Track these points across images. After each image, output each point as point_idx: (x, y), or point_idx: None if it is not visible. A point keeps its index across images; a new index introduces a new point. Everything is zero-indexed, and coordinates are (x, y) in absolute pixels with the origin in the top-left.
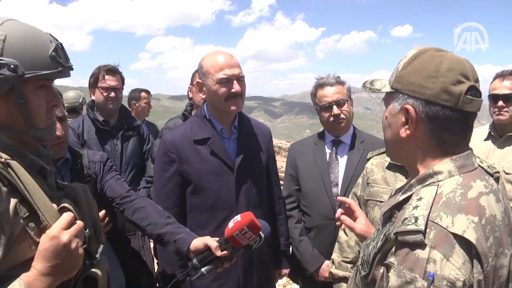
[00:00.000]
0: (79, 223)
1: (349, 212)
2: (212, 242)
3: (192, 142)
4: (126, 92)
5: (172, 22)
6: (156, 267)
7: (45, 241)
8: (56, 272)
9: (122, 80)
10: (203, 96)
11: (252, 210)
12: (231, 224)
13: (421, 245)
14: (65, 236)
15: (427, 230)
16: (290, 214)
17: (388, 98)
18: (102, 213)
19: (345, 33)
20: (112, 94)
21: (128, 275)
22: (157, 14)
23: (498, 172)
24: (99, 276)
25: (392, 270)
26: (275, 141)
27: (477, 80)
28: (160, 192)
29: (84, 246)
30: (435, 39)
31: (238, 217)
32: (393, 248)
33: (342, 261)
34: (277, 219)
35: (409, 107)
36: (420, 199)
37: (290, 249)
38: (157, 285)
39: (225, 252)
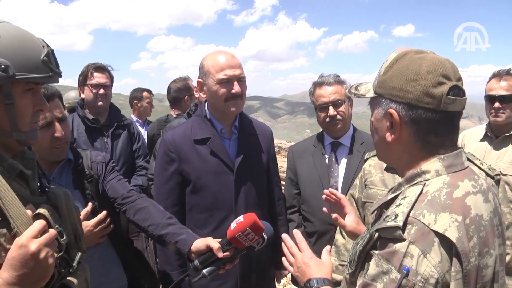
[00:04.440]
0: (52, 231)
1: (339, 206)
2: (214, 243)
3: (192, 142)
4: (127, 91)
5: (173, 22)
6: (158, 267)
7: (13, 249)
8: (23, 282)
9: (111, 78)
10: (204, 96)
11: (251, 210)
12: (233, 225)
13: (401, 240)
14: (34, 245)
15: (409, 226)
16: (290, 218)
17: (373, 102)
18: (103, 214)
19: (346, 33)
20: (101, 90)
21: (130, 276)
22: (159, 14)
23: (499, 174)
24: (75, 285)
25: (373, 259)
26: (275, 141)
27: (459, 79)
28: (159, 191)
29: (60, 254)
30: (437, 39)
31: (240, 218)
32: (378, 243)
33: (339, 264)
34: (278, 220)
35: (393, 111)
36: (404, 197)
37: None
38: (160, 286)
39: (227, 253)
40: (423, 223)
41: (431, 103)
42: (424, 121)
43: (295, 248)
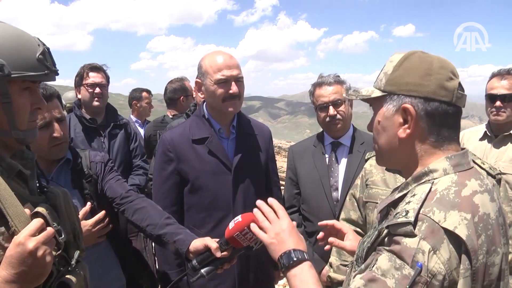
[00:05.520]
0: (49, 229)
1: (334, 232)
2: (212, 243)
3: (190, 142)
4: (127, 92)
5: (174, 22)
6: (157, 267)
7: (11, 247)
8: (21, 279)
9: (106, 77)
10: (202, 96)
11: (250, 210)
12: (231, 224)
13: (412, 236)
14: (32, 243)
15: (419, 222)
16: (290, 218)
17: (377, 103)
18: (101, 214)
19: (346, 33)
20: (97, 90)
21: (129, 275)
22: (159, 14)
23: (500, 174)
24: (73, 283)
25: (382, 254)
26: (275, 141)
27: (458, 77)
28: (158, 191)
29: (59, 252)
30: (437, 39)
31: (239, 218)
32: (386, 239)
33: (340, 264)
34: None
35: (408, 105)
36: (413, 195)
37: None
38: (158, 285)
39: (225, 253)
40: (433, 220)
41: (446, 96)
42: (439, 114)
43: (273, 213)
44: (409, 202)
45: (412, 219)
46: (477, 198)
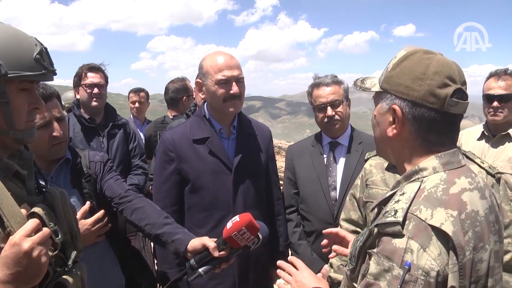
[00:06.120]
0: (45, 230)
1: (338, 240)
2: (210, 242)
3: (191, 142)
4: (127, 92)
5: (174, 22)
6: (156, 267)
7: (6, 248)
8: (16, 280)
9: (105, 77)
10: (203, 96)
11: (250, 210)
12: (229, 224)
13: (400, 236)
14: (27, 244)
15: (407, 221)
16: (289, 217)
17: (378, 97)
18: (100, 213)
19: (347, 33)
20: (96, 90)
21: (128, 275)
22: (159, 14)
23: (499, 173)
24: (70, 284)
25: (372, 258)
26: (275, 141)
27: (464, 83)
28: (158, 190)
29: (55, 253)
30: (437, 39)
31: (236, 218)
32: (377, 240)
33: (341, 264)
34: (276, 220)
35: (396, 107)
36: (402, 194)
37: (289, 250)
38: (157, 285)
39: (223, 252)
40: (420, 218)
41: (435, 103)
42: (425, 120)
43: (291, 267)
44: (398, 200)
45: (400, 219)
46: (466, 195)
